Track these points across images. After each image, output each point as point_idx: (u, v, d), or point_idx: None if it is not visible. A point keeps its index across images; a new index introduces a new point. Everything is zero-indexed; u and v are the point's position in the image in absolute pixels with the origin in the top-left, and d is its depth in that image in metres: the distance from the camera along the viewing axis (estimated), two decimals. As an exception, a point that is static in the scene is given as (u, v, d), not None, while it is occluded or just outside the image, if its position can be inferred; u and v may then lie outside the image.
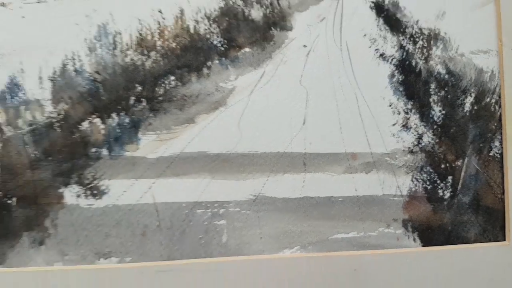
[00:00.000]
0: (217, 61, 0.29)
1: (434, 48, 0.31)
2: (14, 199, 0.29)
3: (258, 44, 0.29)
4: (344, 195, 0.31)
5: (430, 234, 0.32)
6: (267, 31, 0.29)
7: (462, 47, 0.31)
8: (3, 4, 0.28)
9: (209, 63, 0.29)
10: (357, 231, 0.31)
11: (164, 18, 0.29)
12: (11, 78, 0.29)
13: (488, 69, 0.31)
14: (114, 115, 0.29)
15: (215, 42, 0.29)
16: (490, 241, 0.32)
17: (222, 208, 0.30)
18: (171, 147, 0.29)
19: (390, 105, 0.30)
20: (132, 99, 0.29)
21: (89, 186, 0.30)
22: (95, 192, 0.29)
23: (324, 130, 0.30)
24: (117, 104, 0.29)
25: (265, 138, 0.30)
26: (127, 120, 0.29)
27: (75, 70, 0.29)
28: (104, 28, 0.29)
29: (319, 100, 0.29)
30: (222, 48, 0.29)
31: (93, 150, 0.29)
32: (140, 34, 0.29)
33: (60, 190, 0.29)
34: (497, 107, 0.31)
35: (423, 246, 0.30)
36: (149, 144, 0.29)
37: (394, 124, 0.30)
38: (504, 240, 0.32)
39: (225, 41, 0.29)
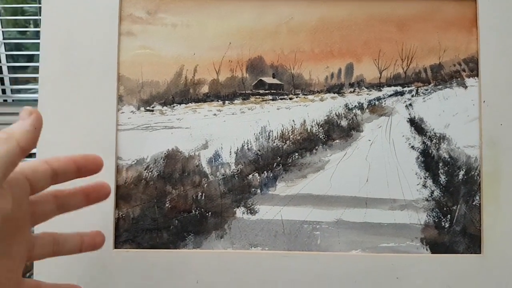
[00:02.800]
0: (321, 146, 0.49)
1: (442, 144, 0.48)
2: (210, 213, 0.48)
3: (343, 138, 0.49)
4: (388, 222, 0.48)
5: (436, 247, 0.48)
6: (349, 132, 0.49)
7: (459, 143, 0.48)
8: (215, 114, 0.49)
9: (316, 147, 0.49)
10: (394, 243, 0.47)
11: (295, 124, 0.49)
12: (216, 151, 0.48)
13: (473, 155, 0.48)
14: (265, 172, 0.49)
15: (320, 136, 0.49)
16: (471, 253, 0.47)
17: (318, 225, 0.48)
18: (293, 190, 0.48)
19: (416, 174, 0.48)
20: (275, 164, 0.49)
21: (249, 208, 0.48)
22: (252, 211, 0.48)
23: (378, 186, 0.48)
24: (267, 167, 0.49)
25: (345, 187, 0.48)
26: (271, 175, 0.49)
27: (248, 149, 0.48)
28: (264, 128, 0.49)
29: (376, 169, 0.48)
30: (324, 140, 0.49)
31: (253, 190, 0.48)
32: (282, 132, 0.49)
33: (234, 210, 0.48)
34: (478, 177, 0.47)
35: (432, 253, 0.48)
36: (281, 188, 0.49)
37: (418, 184, 0.48)
38: (480, 253, 0.47)
39: (326, 136, 0.49)
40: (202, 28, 0.50)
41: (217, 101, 0.49)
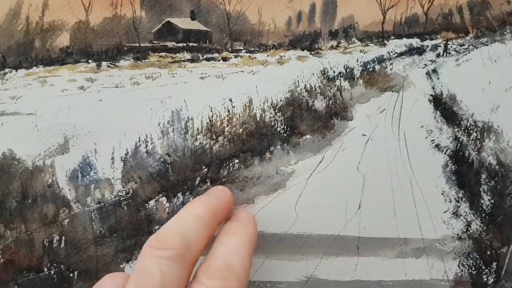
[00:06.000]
0: (279, 147, 0.30)
1: (486, 140, 0.31)
2: (76, 273, 0.30)
3: (319, 132, 0.30)
4: (394, 279, 0.31)
5: (476, 319, 0.30)
6: (328, 120, 0.30)
7: (514, 139, 0.31)
8: (82, 87, 0.29)
9: (271, 148, 0.30)
10: (405, 315, 0.30)
11: (233, 106, 0.30)
12: (84, 158, 0.29)
13: (535, 159, 0.30)
14: (179, 194, 0.29)
15: (279, 129, 0.30)
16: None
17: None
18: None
19: (442, 193, 0.30)
20: (198, 180, 0.29)
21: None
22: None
23: (379, 215, 0.30)
24: (183, 184, 0.29)
25: (320, 220, 0.30)
26: (191, 199, 0.29)
27: (147, 152, 0.29)
28: (177, 114, 0.30)
29: (375, 186, 0.30)
30: (285, 135, 0.30)
31: (157, 227, 0.29)
32: (211, 120, 0.29)
33: (122, 266, 0.29)
34: (544, 197, 0.32)
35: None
36: (208, 222, 0.30)
37: (445, 212, 0.30)
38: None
39: (289, 128, 0.30)
40: None
41: (87, 62, 0.30)
